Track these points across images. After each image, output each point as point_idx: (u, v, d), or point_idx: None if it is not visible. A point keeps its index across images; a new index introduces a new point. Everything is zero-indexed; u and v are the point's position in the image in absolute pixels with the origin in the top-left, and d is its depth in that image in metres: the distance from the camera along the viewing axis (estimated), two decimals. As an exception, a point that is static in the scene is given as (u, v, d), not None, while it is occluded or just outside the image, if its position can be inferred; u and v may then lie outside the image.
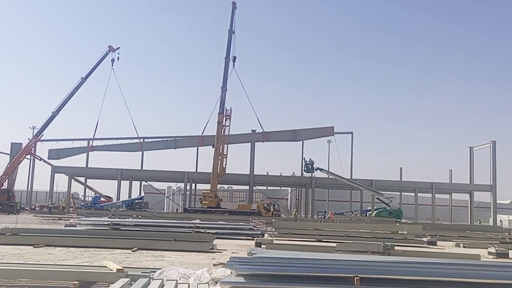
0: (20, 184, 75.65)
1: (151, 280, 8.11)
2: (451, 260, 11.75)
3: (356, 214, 63.07)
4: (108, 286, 8.09)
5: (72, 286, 8.48)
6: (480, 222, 63.33)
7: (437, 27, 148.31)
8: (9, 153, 70.46)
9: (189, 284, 8.31)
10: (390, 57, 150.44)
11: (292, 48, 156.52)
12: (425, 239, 25.77)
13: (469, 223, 61.00)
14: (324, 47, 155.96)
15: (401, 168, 74.23)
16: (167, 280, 8.24)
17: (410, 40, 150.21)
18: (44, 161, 69.44)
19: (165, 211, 79.09)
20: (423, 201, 69.52)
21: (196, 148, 68.92)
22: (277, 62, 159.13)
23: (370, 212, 59.35)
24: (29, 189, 77.42)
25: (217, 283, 9.55)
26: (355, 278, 8.92)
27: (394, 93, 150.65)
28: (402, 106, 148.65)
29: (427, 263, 9.87)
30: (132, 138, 71.33)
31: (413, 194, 66.29)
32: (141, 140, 71.09)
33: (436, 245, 24.76)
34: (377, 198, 59.56)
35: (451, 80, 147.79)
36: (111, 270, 9.57)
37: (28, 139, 66.70)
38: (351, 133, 74.53)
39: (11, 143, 71.94)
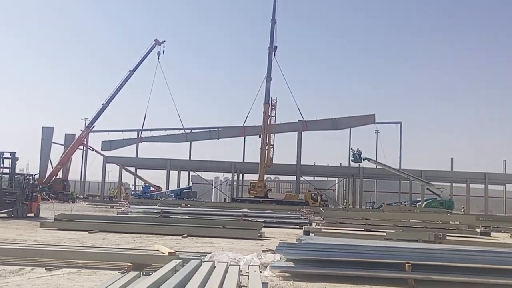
0: (73, 174, 78.36)
1: (202, 262, 8.28)
2: (505, 249, 11.44)
3: (405, 205, 61.82)
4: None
5: (126, 268, 8.77)
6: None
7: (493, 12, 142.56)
8: (63, 143, 72.83)
9: (239, 265, 8.42)
10: (443, 45, 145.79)
11: (338, 34, 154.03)
12: (478, 230, 25.07)
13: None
14: (368, 34, 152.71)
15: (452, 158, 72.36)
16: (218, 262, 8.38)
17: (458, 24, 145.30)
18: (96, 151, 71.53)
19: (212, 201, 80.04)
20: (475, 193, 67.43)
21: (241, 138, 69.34)
22: (322, 50, 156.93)
23: (420, 202, 58.05)
24: (82, 179, 79.97)
25: (266, 267, 9.64)
26: (407, 264, 8.81)
27: (444, 81, 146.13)
28: (453, 95, 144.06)
29: (480, 251, 9.65)
30: (178, 129, 72.76)
31: (465, 185, 64.39)
32: (186, 131, 72.35)
33: (490, 236, 24.06)
34: (427, 189, 58.14)
35: (506, 65, 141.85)
36: (163, 253, 9.85)
37: (81, 130, 68.90)
38: (400, 122, 73.42)
39: (65, 134, 74.20)
